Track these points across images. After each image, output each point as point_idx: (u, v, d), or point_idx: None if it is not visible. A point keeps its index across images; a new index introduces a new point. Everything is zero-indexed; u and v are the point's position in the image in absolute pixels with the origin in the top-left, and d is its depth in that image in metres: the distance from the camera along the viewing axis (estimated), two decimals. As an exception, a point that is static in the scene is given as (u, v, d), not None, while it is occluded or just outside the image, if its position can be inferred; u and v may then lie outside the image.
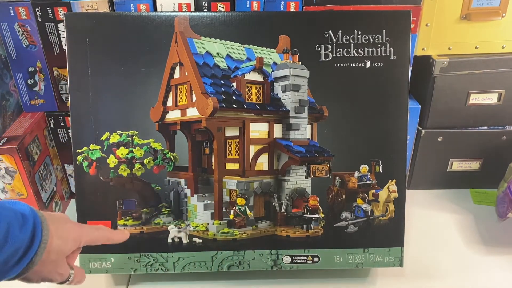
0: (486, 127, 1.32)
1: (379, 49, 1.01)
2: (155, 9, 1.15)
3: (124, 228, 1.04)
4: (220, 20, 0.99)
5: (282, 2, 1.15)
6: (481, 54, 1.23)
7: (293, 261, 1.07)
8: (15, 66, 1.19)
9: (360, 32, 1.00)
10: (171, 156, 1.03)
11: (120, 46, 1.01)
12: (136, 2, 1.13)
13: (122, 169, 1.02)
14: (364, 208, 1.04)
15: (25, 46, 1.16)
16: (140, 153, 1.01)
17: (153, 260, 1.06)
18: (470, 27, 1.20)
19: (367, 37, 1.00)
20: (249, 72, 1.00)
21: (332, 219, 1.06)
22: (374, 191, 1.04)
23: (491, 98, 1.27)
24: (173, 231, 1.04)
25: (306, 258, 1.06)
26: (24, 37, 1.15)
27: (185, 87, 1.02)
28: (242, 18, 0.99)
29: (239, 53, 1.01)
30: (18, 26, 1.14)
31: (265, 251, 1.06)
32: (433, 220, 1.31)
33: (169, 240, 1.04)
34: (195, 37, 0.99)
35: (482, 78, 1.24)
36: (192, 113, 1.01)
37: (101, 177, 1.02)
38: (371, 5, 1.15)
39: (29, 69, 1.20)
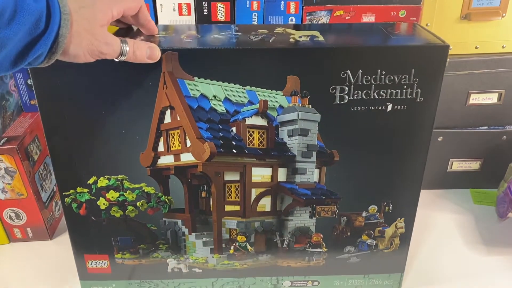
0: (486, 127, 1.32)
1: (404, 90, 0.85)
2: (155, 9, 1.15)
3: (122, 262, 1.02)
4: (216, 57, 0.82)
5: (282, 2, 1.16)
6: (481, 54, 1.23)
7: (293, 285, 1.06)
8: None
9: (384, 72, 0.83)
10: (166, 199, 0.97)
11: (98, 86, 0.84)
12: (136, 2, 1.13)
13: (114, 210, 0.97)
14: (368, 243, 1.02)
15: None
16: (132, 197, 0.95)
17: (154, 285, 1.06)
18: (470, 27, 1.20)
19: (391, 77, 0.83)
20: (250, 116, 0.89)
21: (335, 251, 1.02)
22: (380, 228, 1.01)
23: (491, 98, 1.27)
24: (172, 263, 1.03)
25: (306, 282, 1.06)
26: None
27: (178, 132, 0.91)
28: (243, 54, 0.82)
29: (240, 96, 0.87)
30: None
31: (265, 277, 1.05)
32: (433, 220, 1.31)
33: (169, 270, 1.04)
34: (187, 78, 0.84)
35: (482, 78, 1.24)
36: (187, 158, 0.92)
37: (92, 217, 0.97)
38: (371, 5, 1.15)
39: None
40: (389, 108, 0.86)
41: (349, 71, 0.82)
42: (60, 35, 0.64)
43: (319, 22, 1.18)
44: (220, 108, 0.87)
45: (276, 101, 0.86)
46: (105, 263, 1.01)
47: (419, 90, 0.84)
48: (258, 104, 0.86)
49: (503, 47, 1.23)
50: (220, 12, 1.16)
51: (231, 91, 0.85)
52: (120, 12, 0.74)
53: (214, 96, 0.85)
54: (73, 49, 0.67)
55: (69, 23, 0.64)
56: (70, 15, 0.64)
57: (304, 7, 1.17)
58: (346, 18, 1.18)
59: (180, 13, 1.16)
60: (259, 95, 0.85)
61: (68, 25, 0.64)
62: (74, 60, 0.69)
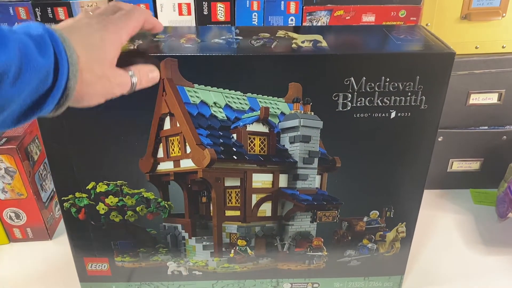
0: (486, 127, 1.32)
1: (408, 97, 0.84)
2: (155, 9, 1.15)
3: (122, 265, 1.02)
4: (217, 64, 0.80)
5: (282, 2, 1.15)
6: (481, 54, 1.23)
7: (293, 287, 1.07)
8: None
9: (388, 79, 0.82)
10: (166, 205, 0.96)
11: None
12: (136, 2, 1.13)
13: (113, 215, 0.96)
14: (369, 247, 1.02)
15: (24, 46, 1.16)
16: (132, 202, 0.95)
17: (154, 287, 1.06)
18: (470, 27, 1.20)
19: (396, 84, 0.82)
20: (251, 123, 0.88)
21: (335, 255, 1.02)
22: (381, 232, 1.00)
23: (491, 98, 1.27)
24: (172, 266, 1.03)
25: (306, 284, 1.06)
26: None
27: (177, 139, 0.90)
28: (245, 61, 0.81)
29: (240, 103, 0.86)
30: (18, 26, 1.14)
31: (265, 280, 1.05)
32: (433, 220, 1.31)
33: (169, 273, 1.04)
34: (186, 85, 0.82)
35: (482, 78, 1.24)
36: (187, 164, 0.91)
37: (92, 222, 0.97)
38: (371, 5, 1.15)
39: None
40: (393, 115, 0.85)
41: (352, 78, 0.81)
42: (68, 88, 0.60)
43: (319, 22, 1.17)
44: (221, 115, 0.86)
45: (278, 108, 0.85)
46: (105, 266, 1.01)
47: (424, 97, 0.84)
48: (259, 111, 0.85)
49: (503, 47, 1.22)
50: (220, 12, 1.16)
51: (232, 98, 0.84)
52: (129, 35, 0.72)
53: (215, 103, 0.84)
54: (87, 99, 0.65)
55: (78, 73, 0.60)
56: (78, 64, 0.60)
57: (304, 7, 1.16)
58: (346, 18, 1.17)
59: (180, 13, 1.16)
60: (260, 102, 0.84)
61: (76, 76, 0.60)
62: (86, 106, 0.67)
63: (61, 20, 1.13)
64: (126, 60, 0.72)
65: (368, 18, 1.18)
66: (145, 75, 0.75)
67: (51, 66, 0.57)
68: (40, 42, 0.56)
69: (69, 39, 0.60)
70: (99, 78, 0.64)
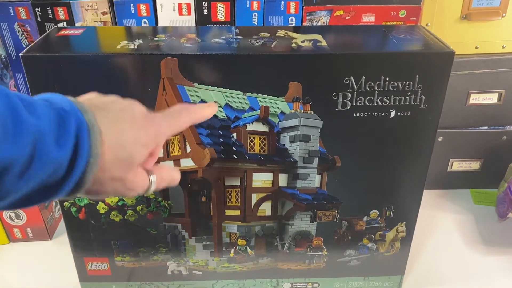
0: (486, 127, 1.32)
1: (408, 97, 0.84)
2: (155, 9, 1.15)
3: (122, 265, 1.02)
4: (217, 63, 0.80)
5: (282, 2, 1.15)
6: (481, 54, 1.23)
7: (293, 287, 1.07)
8: (15, 66, 1.19)
9: (388, 79, 0.82)
10: (165, 204, 0.95)
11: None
12: (136, 2, 1.13)
13: (113, 214, 0.96)
14: (369, 247, 1.02)
15: (25, 46, 1.16)
16: (132, 201, 0.94)
17: (154, 287, 1.06)
18: (470, 27, 1.20)
19: (395, 84, 0.82)
20: (251, 122, 0.88)
21: (335, 254, 1.02)
22: (381, 232, 1.00)
23: (491, 98, 1.27)
24: (172, 266, 1.03)
25: (306, 284, 1.06)
26: (24, 37, 1.15)
27: (178, 138, 0.89)
28: (245, 60, 0.81)
29: (240, 102, 0.85)
30: (18, 26, 1.14)
31: (265, 279, 1.05)
32: (433, 220, 1.31)
33: (169, 272, 1.04)
34: (187, 84, 0.82)
35: (482, 78, 1.24)
36: (187, 163, 0.90)
37: (92, 221, 0.96)
38: (371, 5, 1.15)
39: (29, 69, 1.20)
40: (392, 114, 0.85)
41: (352, 78, 0.81)
42: (81, 182, 0.51)
43: (319, 22, 1.17)
44: (221, 114, 0.85)
45: (278, 107, 0.85)
46: (105, 265, 1.01)
47: (423, 97, 0.84)
48: (259, 110, 0.85)
49: (503, 47, 1.22)
50: (220, 12, 1.16)
51: (232, 97, 0.84)
52: (165, 139, 0.64)
53: (215, 102, 0.83)
54: (93, 196, 0.56)
55: (96, 168, 0.51)
56: (99, 163, 0.51)
57: (304, 7, 1.16)
58: (346, 18, 1.17)
59: (180, 13, 1.16)
60: (260, 101, 0.84)
61: (92, 172, 0.51)
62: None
63: (61, 20, 1.13)
64: None
65: (368, 18, 1.18)
66: (167, 177, 0.65)
67: (67, 159, 0.48)
68: (63, 133, 0.48)
69: (101, 134, 0.51)
70: (112, 180, 0.55)
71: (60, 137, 0.47)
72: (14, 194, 0.47)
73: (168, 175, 0.65)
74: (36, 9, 1.12)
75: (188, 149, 0.88)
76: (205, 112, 0.68)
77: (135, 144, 0.55)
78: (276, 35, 0.88)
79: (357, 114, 0.85)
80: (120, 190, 0.57)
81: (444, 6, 1.17)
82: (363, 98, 0.83)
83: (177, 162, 0.91)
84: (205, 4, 1.14)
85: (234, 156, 0.88)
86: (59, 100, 0.51)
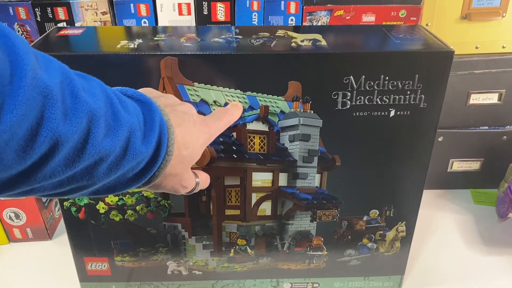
0: (486, 127, 1.32)
1: (407, 96, 0.83)
2: (155, 9, 1.15)
3: (122, 265, 1.02)
4: (217, 62, 0.80)
5: (282, 2, 1.15)
6: (481, 54, 1.23)
7: (293, 287, 1.07)
8: (14, 66, 1.19)
9: (387, 78, 0.81)
10: (165, 204, 0.95)
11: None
12: (136, 2, 1.13)
13: (113, 214, 0.96)
14: (369, 247, 1.01)
15: (24, 46, 1.16)
16: (132, 201, 0.94)
17: (154, 287, 1.06)
18: (471, 27, 1.20)
19: (395, 83, 0.82)
20: (251, 122, 0.88)
21: (335, 254, 1.02)
22: (381, 232, 1.00)
23: (491, 98, 1.27)
24: (172, 266, 1.02)
25: (306, 284, 1.06)
26: (24, 37, 1.15)
27: None
28: (244, 59, 0.80)
29: (240, 101, 0.84)
30: (18, 26, 1.14)
31: (265, 279, 1.05)
32: (433, 220, 1.31)
33: (169, 272, 1.04)
34: (186, 83, 0.82)
35: (483, 78, 1.24)
36: None
37: (92, 221, 0.96)
38: (371, 5, 1.15)
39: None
40: (392, 113, 0.85)
41: (351, 77, 0.81)
42: (154, 176, 0.57)
43: (319, 22, 1.18)
44: None
45: (278, 107, 0.85)
46: (104, 265, 1.01)
47: (423, 96, 0.84)
48: (259, 110, 0.85)
49: (503, 47, 1.22)
50: (220, 12, 1.16)
51: (232, 96, 0.84)
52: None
53: (215, 102, 0.83)
54: (153, 189, 0.63)
55: (168, 164, 0.58)
56: (172, 158, 0.58)
57: (304, 7, 1.16)
58: (346, 18, 1.17)
59: (180, 13, 1.16)
60: (260, 100, 0.84)
61: (166, 167, 0.57)
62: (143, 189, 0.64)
63: (61, 20, 1.13)
64: None
65: (368, 18, 1.18)
66: (205, 181, 0.73)
67: (149, 154, 0.54)
68: (150, 130, 0.54)
69: (174, 134, 0.58)
70: (174, 176, 0.62)
71: (146, 133, 0.53)
72: (99, 183, 0.51)
73: (205, 178, 0.72)
74: (36, 9, 1.12)
75: None
76: (239, 110, 0.78)
77: (195, 145, 0.62)
78: (276, 34, 0.88)
79: (357, 113, 0.85)
80: (176, 186, 0.63)
81: (444, 6, 1.17)
82: (362, 97, 0.83)
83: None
84: (205, 4, 1.14)
85: (234, 155, 0.88)
86: (139, 96, 0.57)
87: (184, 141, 0.60)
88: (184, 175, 0.64)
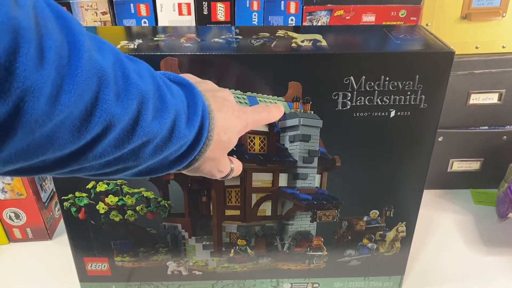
0: (486, 127, 1.32)
1: (408, 97, 0.83)
2: (155, 9, 1.15)
3: (122, 265, 1.02)
4: (217, 63, 0.80)
5: (282, 2, 1.15)
6: (481, 54, 1.23)
7: (293, 287, 1.07)
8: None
9: (387, 78, 0.81)
10: (165, 204, 0.95)
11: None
12: (136, 2, 1.13)
13: (113, 214, 0.95)
14: (369, 247, 1.01)
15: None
16: (132, 201, 0.94)
17: (154, 287, 1.06)
18: (471, 27, 1.20)
19: (395, 83, 0.82)
20: None
21: (335, 254, 1.02)
22: (381, 232, 1.00)
23: (491, 98, 1.27)
24: (172, 266, 1.02)
25: (306, 284, 1.06)
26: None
27: None
28: (244, 60, 0.80)
29: (240, 102, 0.84)
30: (18, 26, 1.14)
31: (265, 279, 1.05)
32: (433, 220, 1.31)
33: (169, 272, 1.03)
34: None
35: (483, 78, 1.24)
36: None
37: (92, 221, 0.96)
38: (371, 5, 1.15)
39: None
40: (392, 114, 0.85)
41: (352, 77, 0.81)
42: (195, 159, 0.59)
43: (319, 22, 1.17)
44: None
45: None
46: (104, 265, 1.01)
47: (423, 96, 0.84)
48: None
49: (503, 47, 1.22)
50: (220, 12, 1.16)
51: (232, 96, 0.83)
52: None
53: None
54: (191, 173, 0.64)
55: (208, 148, 0.59)
56: (212, 142, 0.59)
57: (304, 7, 1.16)
58: (346, 18, 1.17)
59: (180, 13, 1.16)
60: (260, 101, 0.83)
61: (206, 151, 0.59)
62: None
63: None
64: None
65: (368, 18, 1.18)
66: (239, 168, 0.74)
67: (192, 138, 0.55)
68: (193, 114, 0.55)
69: (215, 119, 0.59)
70: (212, 160, 0.63)
71: (190, 117, 0.54)
72: (143, 164, 0.52)
73: (239, 165, 0.73)
74: (36, 9, 1.11)
75: None
76: (280, 112, 0.77)
77: (233, 131, 0.64)
78: (276, 35, 0.88)
79: (357, 114, 0.85)
80: (213, 170, 0.65)
81: (444, 6, 1.17)
82: (363, 98, 0.83)
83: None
84: (205, 4, 1.14)
85: (234, 156, 0.87)
86: (182, 80, 0.58)
87: (224, 127, 0.61)
88: (221, 159, 0.65)
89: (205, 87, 0.63)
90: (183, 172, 0.62)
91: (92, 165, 0.47)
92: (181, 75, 0.62)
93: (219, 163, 0.65)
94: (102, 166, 0.48)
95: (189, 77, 0.65)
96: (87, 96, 0.39)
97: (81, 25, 0.40)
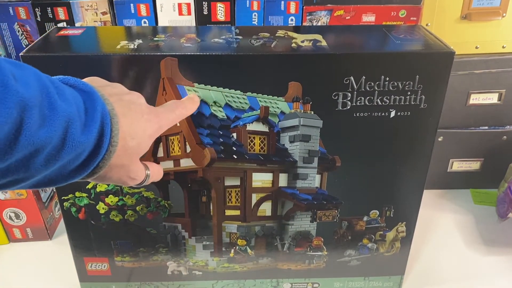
0: (486, 127, 1.32)
1: (408, 97, 0.83)
2: (155, 9, 1.15)
3: (122, 265, 1.02)
4: (217, 63, 0.80)
5: (282, 2, 1.15)
6: (481, 54, 1.23)
7: (293, 287, 1.07)
8: (14, 66, 1.19)
9: (387, 78, 0.81)
10: (165, 204, 0.95)
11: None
12: (136, 2, 1.13)
13: (113, 214, 0.95)
14: (369, 247, 1.01)
15: (24, 46, 1.16)
16: (132, 201, 0.94)
17: (154, 287, 1.06)
18: (470, 27, 1.20)
19: (395, 83, 0.82)
20: (251, 122, 0.87)
21: (335, 254, 1.02)
22: (381, 232, 1.00)
23: (491, 98, 1.27)
24: (172, 266, 1.02)
25: (306, 284, 1.06)
26: (24, 37, 1.15)
27: (177, 138, 0.88)
28: (244, 60, 0.80)
29: (240, 102, 0.85)
30: (18, 26, 1.14)
31: (265, 280, 1.05)
32: (433, 220, 1.31)
33: (169, 272, 1.03)
34: (186, 84, 0.81)
35: (483, 78, 1.24)
36: (187, 163, 0.90)
37: (92, 221, 0.96)
38: (371, 5, 1.15)
39: (29, 69, 1.19)
40: (392, 114, 0.85)
41: (352, 78, 0.81)
42: (98, 167, 0.55)
43: (319, 22, 1.17)
44: (221, 114, 0.85)
45: (278, 107, 0.85)
46: (104, 265, 1.01)
47: (423, 97, 0.83)
48: (259, 110, 0.85)
49: (503, 47, 1.22)
50: (220, 12, 1.16)
51: (232, 97, 0.83)
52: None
53: (215, 102, 0.83)
54: (98, 181, 0.60)
55: (113, 155, 0.55)
56: (117, 149, 0.56)
57: (304, 7, 1.16)
58: (346, 18, 1.17)
59: (180, 13, 1.16)
60: (260, 101, 0.84)
61: (110, 158, 0.55)
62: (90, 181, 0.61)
63: (61, 20, 1.13)
64: None
65: (368, 18, 1.18)
66: (157, 174, 0.71)
67: (91, 145, 0.52)
68: (91, 120, 0.51)
69: (119, 124, 0.56)
70: (120, 167, 0.60)
71: (87, 123, 0.51)
72: (38, 175, 0.49)
73: (157, 170, 0.70)
74: (36, 9, 1.12)
75: (188, 149, 0.88)
76: (195, 103, 0.76)
77: (143, 135, 0.60)
78: (276, 35, 0.88)
79: (357, 114, 0.85)
80: (123, 177, 0.61)
81: (444, 6, 1.17)
82: (363, 98, 0.83)
83: (177, 162, 0.90)
84: (205, 4, 1.14)
85: (234, 156, 0.88)
86: (81, 85, 0.54)
87: (130, 132, 0.58)
88: (131, 166, 0.62)
89: (111, 91, 0.60)
90: (89, 180, 0.59)
91: None
92: (85, 79, 0.60)
93: (129, 170, 0.62)
94: None
95: (94, 81, 0.62)
96: None
97: None
